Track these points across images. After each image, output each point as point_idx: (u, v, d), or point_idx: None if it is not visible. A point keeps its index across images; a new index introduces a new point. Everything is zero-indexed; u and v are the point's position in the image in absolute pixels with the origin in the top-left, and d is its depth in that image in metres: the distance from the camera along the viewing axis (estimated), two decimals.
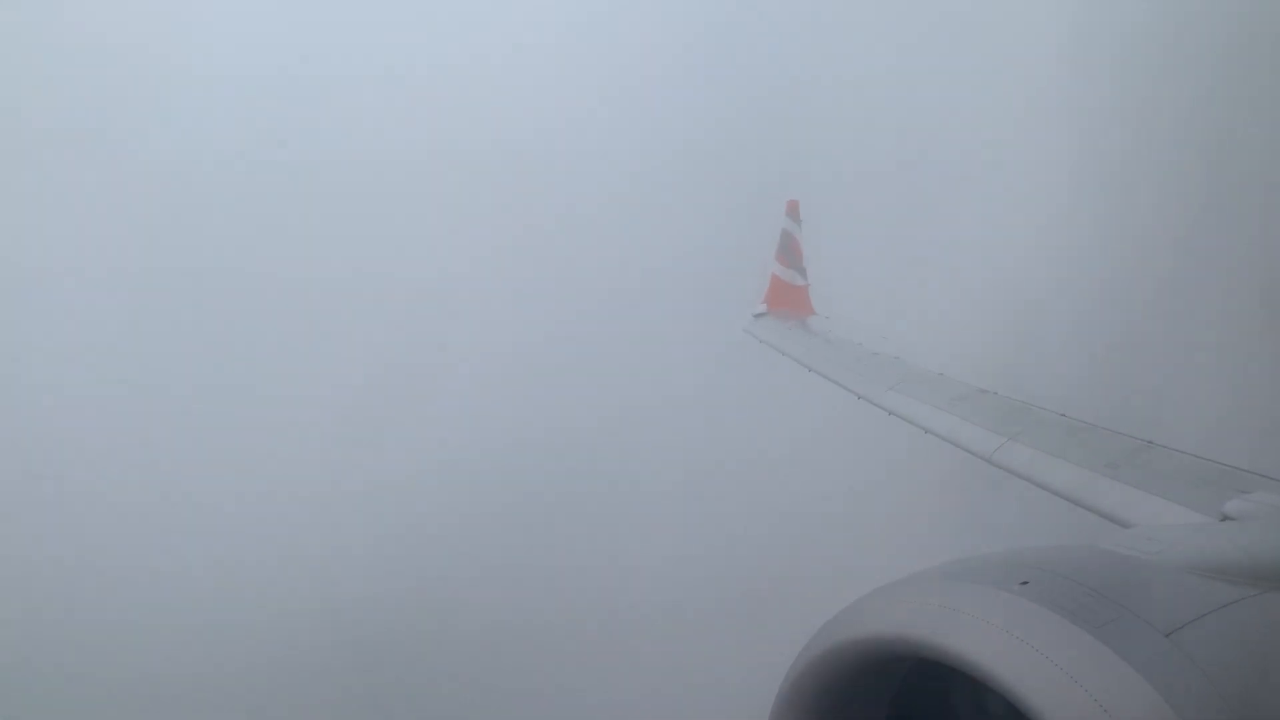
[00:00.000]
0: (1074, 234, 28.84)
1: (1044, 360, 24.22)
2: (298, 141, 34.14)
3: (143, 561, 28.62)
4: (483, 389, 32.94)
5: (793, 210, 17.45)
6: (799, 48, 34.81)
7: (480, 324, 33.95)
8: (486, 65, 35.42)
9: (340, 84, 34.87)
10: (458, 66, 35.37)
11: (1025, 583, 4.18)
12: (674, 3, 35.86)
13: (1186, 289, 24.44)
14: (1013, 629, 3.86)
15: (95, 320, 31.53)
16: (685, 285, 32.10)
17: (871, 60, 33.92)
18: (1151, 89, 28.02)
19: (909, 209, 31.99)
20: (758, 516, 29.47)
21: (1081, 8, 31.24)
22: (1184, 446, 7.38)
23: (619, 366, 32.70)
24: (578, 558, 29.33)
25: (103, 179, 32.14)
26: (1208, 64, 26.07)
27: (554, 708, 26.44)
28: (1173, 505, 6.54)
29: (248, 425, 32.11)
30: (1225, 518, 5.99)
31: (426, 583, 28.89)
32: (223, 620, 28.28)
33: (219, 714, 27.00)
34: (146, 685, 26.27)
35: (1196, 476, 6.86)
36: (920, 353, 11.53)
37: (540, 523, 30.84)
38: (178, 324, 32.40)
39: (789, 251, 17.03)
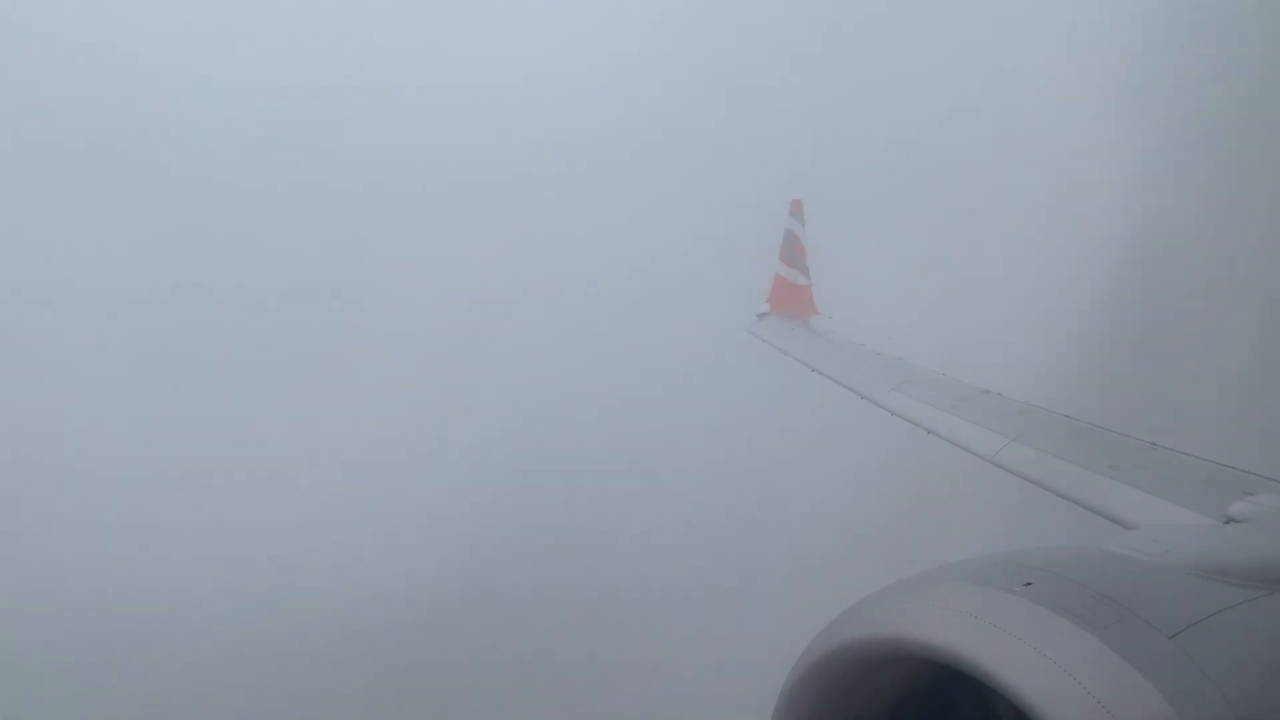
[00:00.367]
0: (1079, 234, 28.82)
1: (1048, 361, 24.20)
2: (300, 142, 34.16)
3: (158, 560, 28.74)
4: (482, 388, 32.94)
5: (796, 210, 17.43)
6: (803, 46, 34.78)
7: (481, 323, 33.95)
8: (488, 63, 35.40)
9: (343, 84, 34.86)
10: (458, 66, 35.36)
11: (1028, 584, 4.16)
12: (678, 1, 35.87)
13: (1192, 289, 24.43)
14: (1016, 631, 3.85)
15: (106, 329, 31.59)
16: (688, 284, 32.11)
17: (876, 59, 33.90)
18: (1155, 89, 28.00)
19: (913, 209, 31.97)
20: (760, 517, 29.49)
21: (1085, 8, 31.22)
22: (1188, 448, 7.36)
23: (620, 366, 32.71)
24: (576, 557, 29.33)
25: (110, 187, 32.20)
26: (1211, 63, 26.04)
27: (552, 707, 26.45)
28: (1177, 507, 6.52)
29: (258, 429, 32.13)
30: (1230, 520, 5.97)
31: (427, 580, 28.92)
32: (233, 619, 28.36)
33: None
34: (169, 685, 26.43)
35: (1201, 478, 6.84)
36: (923, 353, 11.51)
37: (538, 521, 30.84)
38: (188, 328, 32.44)
39: (792, 251, 17.01)
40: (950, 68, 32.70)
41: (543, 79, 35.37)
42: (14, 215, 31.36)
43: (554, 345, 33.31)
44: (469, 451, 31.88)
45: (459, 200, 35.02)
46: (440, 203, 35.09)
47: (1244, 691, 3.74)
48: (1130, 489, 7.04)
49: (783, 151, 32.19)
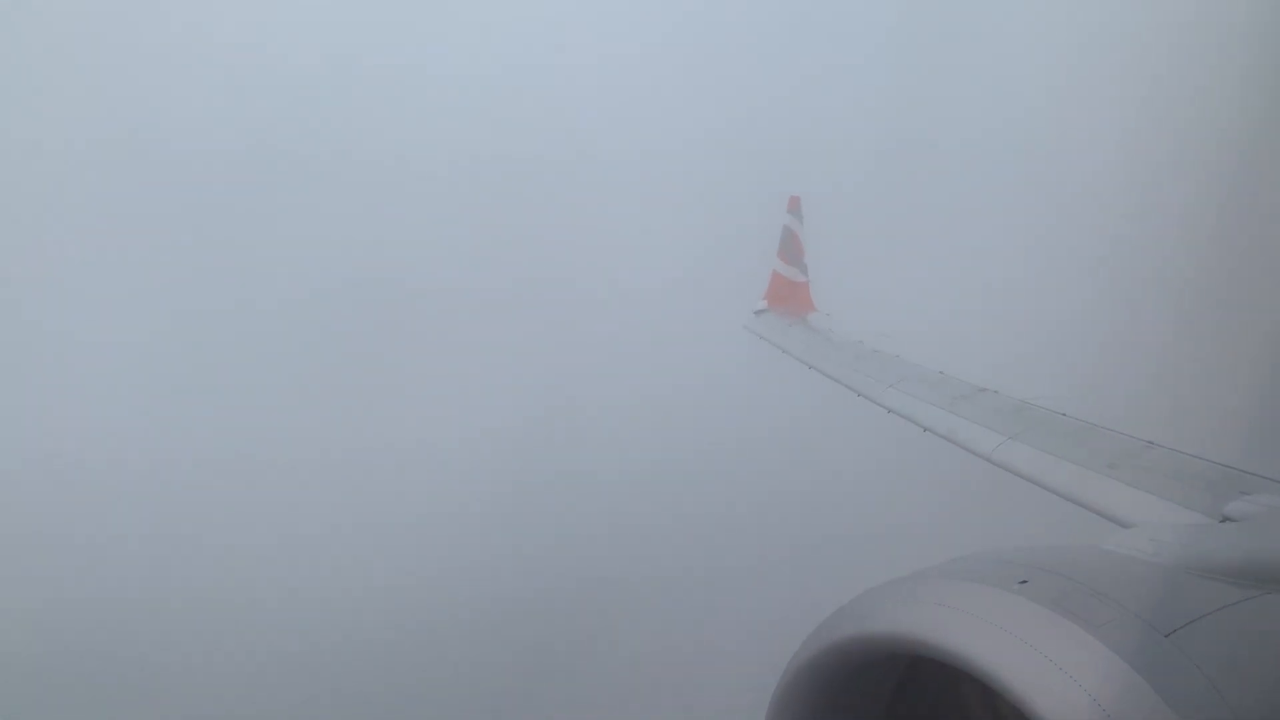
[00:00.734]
0: (1076, 232, 28.82)
1: (1045, 359, 24.20)
2: (305, 142, 34.15)
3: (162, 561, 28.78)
4: (479, 388, 32.92)
5: (794, 207, 17.40)
6: (803, 43, 34.76)
7: (477, 322, 33.94)
8: (490, 65, 35.37)
9: (346, 82, 34.84)
10: (457, 65, 35.33)
11: (1025, 582, 4.16)
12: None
13: (1189, 288, 24.43)
14: (1012, 628, 3.84)
15: (115, 335, 31.59)
16: (686, 281, 32.09)
17: (875, 56, 33.88)
18: (1154, 88, 27.99)
19: (911, 206, 31.97)
20: (756, 514, 29.50)
21: (1083, 7, 31.20)
22: (1185, 447, 7.35)
23: (618, 362, 32.70)
24: (574, 556, 29.33)
25: (122, 190, 32.18)
26: (1210, 62, 26.02)
27: (549, 705, 26.45)
28: (1173, 506, 6.51)
29: (254, 428, 32.11)
30: (1226, 519, 5.96)
31: (426, 579, 28.93)
32: (233, 619, 28.41)
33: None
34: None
35: (1198, 477, 6.83)
36: (921, 351, 11.49)
37: (536, 521, 30.82)
38: (198, 332, 32.46)
39: (790, 248, 16.98)
40: (949, 65, 32.69)
41: (543, 78, 35.36)
42: (23, 215, 31.38)
43: (552, 344, 33.31)
44: (468, 450, 31.87)
45: (458, 200, 35.00)
46: (440, 202, 35.07)
47: (1239, 690, 3.74)
48: (1127, 488, 7.03)
49: (781, 148, 32.17)
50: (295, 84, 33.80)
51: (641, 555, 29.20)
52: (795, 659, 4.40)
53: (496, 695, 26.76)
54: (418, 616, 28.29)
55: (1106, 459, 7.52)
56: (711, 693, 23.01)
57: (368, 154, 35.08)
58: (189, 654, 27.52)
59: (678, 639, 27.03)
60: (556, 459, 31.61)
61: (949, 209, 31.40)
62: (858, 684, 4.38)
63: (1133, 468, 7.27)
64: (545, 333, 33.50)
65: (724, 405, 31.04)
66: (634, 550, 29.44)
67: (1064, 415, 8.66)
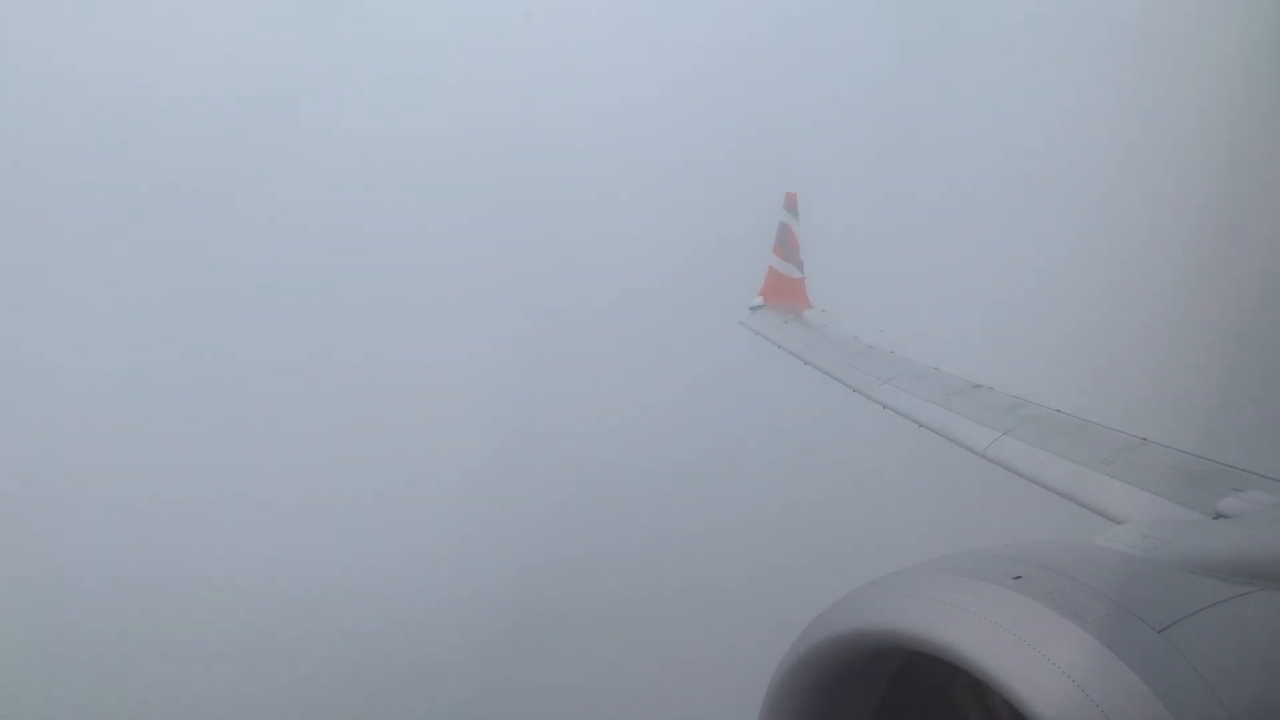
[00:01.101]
0: (1071, 229, 28.85)
1: (1040, 356, 24.24)
2: (292, 136, 34.04)
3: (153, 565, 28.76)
4: (476, 387, 32.88)
5: (791, 203, 17.41)
6: (800, 40, 34.74)
7: (473, 321, 33.90)
8: (480, 57, 35.28)
9: (337, 78, 34.72)
10: (453, 60, 35.24)
11: (1018, 577, 4.17)
12: None
13: (1183, 285, 24.47)
14: (1005, 623, 3.85)
15: (110, 340, 31.51)
16: (682, 276, 32.08)
17: (872, 53, 33.86)
18: (1153, 86, 28.00)
19: (907, 203, 31.99)
20: (750, 510, 29.52)
21: (1083, 6, 31.22)
22: (1179, 444, 7.38)
23: (613, 357, 32.70)
24: (573, 554, 29.33)
25: (114, 190, 32.08)
26: (1210, 61, 26.05)
27: (546, 704, 26.48)
28: (1167, 502, 6.54)
29: (246, 425, 32.03)
30: (1219, 515, 5.99)
31: (426, 583, 28.90)
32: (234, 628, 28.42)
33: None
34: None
35: (1191, 473, 6.86)
36: (916, 347, 11.52)
37: (535, 520, 30.81)
38: (193, 335, 32.37)
39: (786, 244, 16.99)
40: (948, 61, 32.66)
41: (540, 75, 35.27)
42: (21, 217, 31.29)
43: (548, 340, 33.25)
44: (459, 451, 31.81)
45: (451, 195, 34.92)
46: (434, 197, 34.99)
47: (1232, 686, 3.75)
48: (1121, 484, 7.05)
49: (777, 145, 32.15)
50: (286, 75, 33.67)
51: (631, 550, 29.22)
52: (788, 655, 4.41)
53: (495, 695, 26.79)
54: (412, 616, 28.26)
55: (1100, 455, 7.55)
56: (704, 689, 23.05)
57: (364, 150, 34.98)
58: (180, 647, 27.47)
59: (669, 635, 27.06)
60: (552, 456, 31.59)
61: (946, 206, 31.41)
62: (851, 679, 4.39)
63: (1126, 464, 7.29)
64: (541, 328, 33.45)
65: (719, 401, 31.05)
66: (624, 545, 29.45)
67: (1058, 411, 8.69)
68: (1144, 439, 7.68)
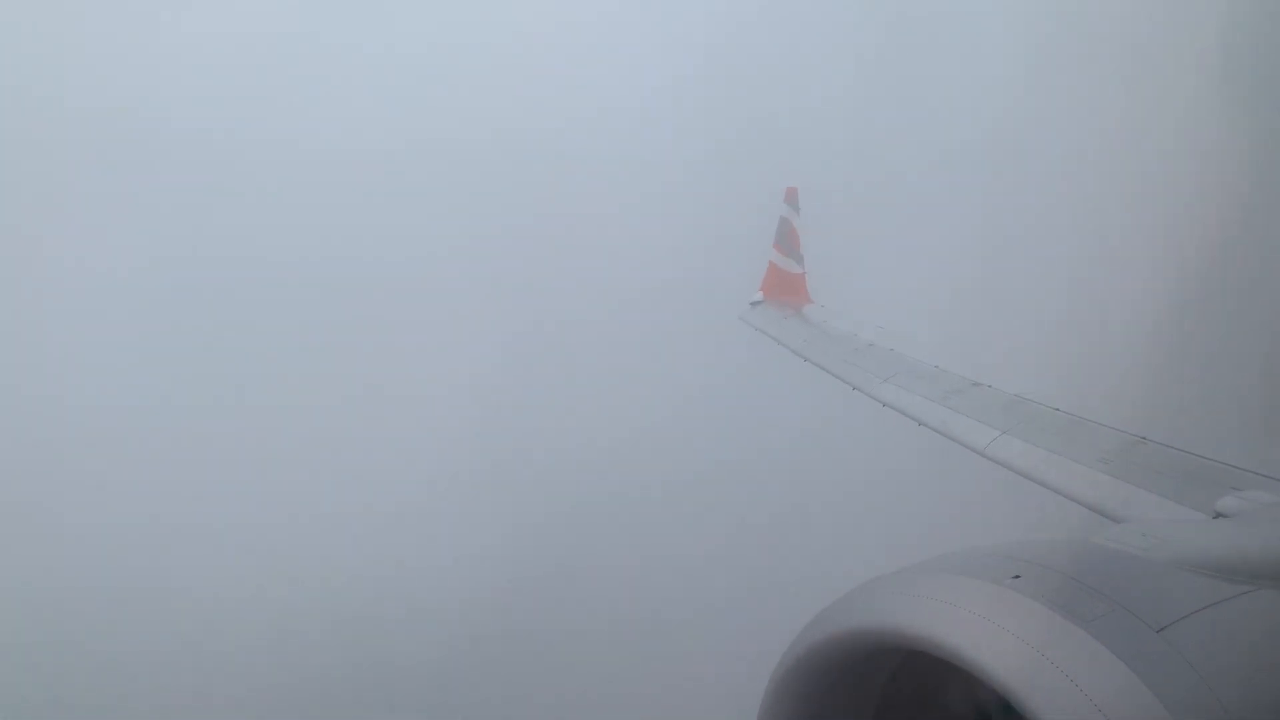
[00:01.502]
0: (1072, 227, 28.82)
1: (1039, 354, 24.23)
2: (290, 137, 33.95)
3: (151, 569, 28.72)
4: (474, 385, 32.82)
5: (791, 197, 17.38)
6: (800, 35, 34.66)
7: (472, 320, 33.83)
8: (478, 55, 35.21)
9: (331, 73, 34.63)
10: (451, 58, 35.16)
11: (1017, 576, 4.16)
12: None
13: (1182, 284, 24.44)
14: (1004, 622, 3.85)
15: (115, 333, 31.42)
16: (682, 272, 32.06)
17: (873, 48, 33.80)
18: (1154, 83, 27.95)
19: (908, 199, 31.95)
20: (749, 508, 29.51)
21: (1084, 4, 31.17)
22: (1178, 443, 7.37)
23: (613, 354, 32.66)
24: (571, 553, 29.29)
25: (116, 183, 31.99)
26: (1210, 59, 26.00)
27: (545, 703, 26.46)
28: (1165, 501, 6.53)
29: (242, 426, 31.96)
30: (1218, 514, 5.98)
31: (425, 584, 28.86)
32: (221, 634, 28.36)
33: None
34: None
35: (1190, 473, 6.86)
36: (916, 345, 11.50)
37: (534, 519, 30.75)
38: (196, 326, 32.28)
39: (787, 239, 16.96)
40: (949, 58, 32.62)
41: (539, 72, 35.20)
42: (23, 211, 31.21)
43: (548, 338, 33.22)
44: (457, 452, 31.74)
45: (449, 193, 34.84)
46: (431, 197, 34.91)
47: (1230, 685, 3.75)
48: (1119, 483, 7.05)
49: (778, 139, 32.12)
50: (283, 72, 33.60)
51: (632, 549, 29.20)
52: (787, 654, 4.41)
53: (498, 695, 26.75)
54: (411, 619, 28.20)
55: (1099, 454, 7.54)
56: (702, 689, 23.04)
57: (362, 148, 34.90)
58: (176, 646, 27.44)
59: (667, 634, 27.05)
60: (552, 454, 31.57)
61: (947, 202, 31.38)
62: (850, 678, 4.39)
63: (1125, 463, 7.29)
64: (540, 325, 33.45)
65: (718, 397, 31.05)
66: (624, 544, 29.43)
67: (1057, 410, 8.68)
68: (1143, 438, 7.68)
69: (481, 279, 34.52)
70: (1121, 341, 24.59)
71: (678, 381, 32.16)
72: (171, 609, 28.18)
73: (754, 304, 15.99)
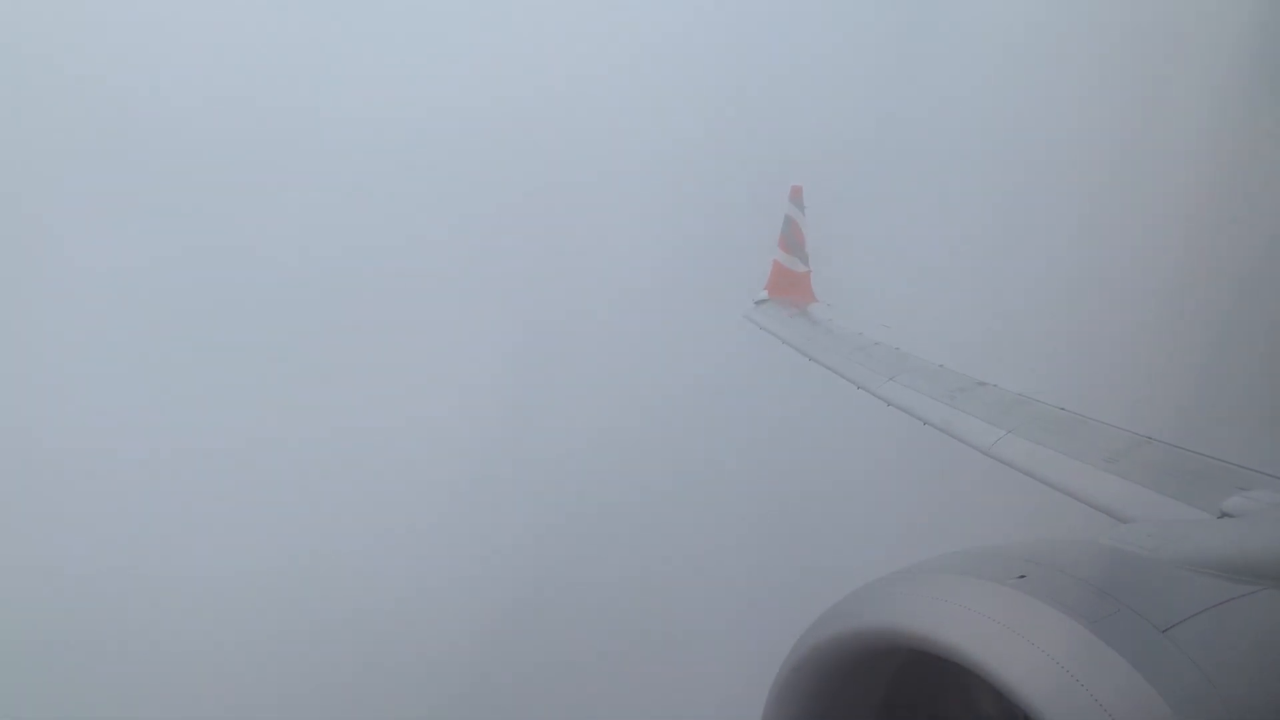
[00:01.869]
0: (1078, 225, 28.77)
1: (1044, 353, 24.20)
2: (287, 136, 33.92)
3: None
4: (477, 383, 32.81)
5: (796, 196, 17.37)
6: (805, 31, 34.62)
7: (475, 318, 33.83)
8: (478, 49, 35.16)
9: (325, 68, 34.58)
10: (450, 52, 35.12)
11: (1022, 576, 4.17)
12: None
13: (1188, 283, 24.39)
14: (1009, 622, 3.85)
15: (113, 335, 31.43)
16: (687, 271, 32.03)
17: (880, 45, 33.75)
18: (1157, 82, 27.89)
19: (914, 198, 31.89)
20: (753, 507, 29.48)
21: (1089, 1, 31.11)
22: (1184, 442, 7.36)
23: (618, 352, 32.66)
24: (574, 552, 29.30)
25: (115, 190, 32.02)
26: (1212, 58, 25.93)
27: (552, 704, 26.48)
28: (1171, 501, 6.53)
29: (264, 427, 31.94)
30: (1224, 514, 5.97)
31: (425, 588, 28.86)
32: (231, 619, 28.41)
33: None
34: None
35: (1195, 472, 6.84)
36: (920, 344, 11.50)
37: (538, 518, 30.75)
38: (193, 331, 32.27)
39: (791, 238, 16.97)
40: (954, 55, 32.54)
41: (542, 69, 35.14)
42: (22, 217, 31.25)
43: (555, 338, 33.18)
44: (457, 452, 31.73)
45: (450, 191, 34.82)
46: (430, 193, 34.86)
47: (1236, 685, 3.75)
48: (1125, 482, 7.04)
49: (783, 138, 32.07)
50: (282, 74, 33.55)
51: (636, 548, 29.20)
52: (793, 653, 4.42)
53: (500, 694, 26.77)
54: (415, 615, 28.20)
55: (1105, 453, 7.53)
56: (708, 688, 23.04)
57: (363, 145, 34.84)
58: (173, 642, 27.46)
59: (672, 634, 27.05)
60: (556, 453, 31.55)
61: (953, 201, 31.33)
62: (854, 677, 4.40)
63: (1131, 462, 7.28)
64: (544, 323, 33.41)
65: (722, 395, 31.02)
66: (628, 543, 29.44)
67: (1063, 409, 8.67)
68: (1148, 437, 7.67)
69: (484, 278, 34.49)
70: (1127, 341, 24.55)
71: (682, 380, 32.12)
72: (170, 611, 28.17)
73: (759, 302, 16.00)
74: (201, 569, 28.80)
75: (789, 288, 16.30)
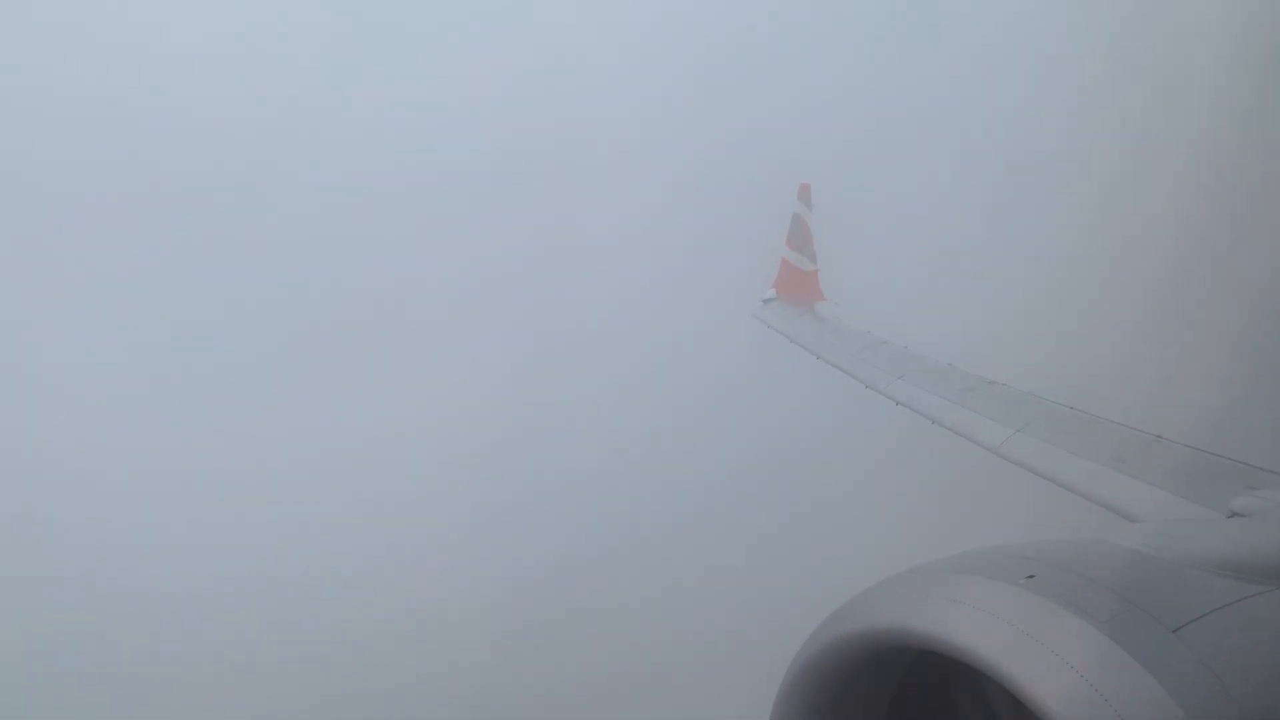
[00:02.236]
0: (1086, 225, 28.69)
1: (1054, 352, 24.13)
2: (287, 137, 33.93)
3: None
4: (484, 384, 32.82)
5: (804, 194, 17.35)
6: (812, 29, 34.56)
7: (481, 317, 33.83)
8: (483, 50, 35.15)
9: (325, 68, 34.58)
10: (453, 51, 35.12)
11: (1031, 576, 4.16)
12: None
13: (1197, 281, 24.31)
14: (1018, 622, 3.85)
15: (114, 337, 31.46)
16: (695, 269, 32.03)
17: (888, 42, 33.68)
18: (1161, 81, 27.80)
19: (922, 196, 31.83)
20: (761, 506, 29.47)
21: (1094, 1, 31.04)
22: (1193, 441, 7.34)
23: (625, 351, 32.66)
24: (581, 553, 29.28)
25: (115, 190, 32.06)
26: (1216, 58, 25.84)
27: (555, 703, 26.47)
28: (1181, 500, 6.51)
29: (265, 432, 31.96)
30: (1234, 514, 5.95)
31: (435, 585, 28.88)
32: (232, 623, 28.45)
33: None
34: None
35: (1205, 471, 6.82)
36: (929, 343, 11.48)
37: (543, 518, 30.75)
38: (194, 333, 32.31)
39: (799, 236, 16.94)
40: (962, 53, 32.47)
41: (544, 67, 35.11)
42: (21, 217, 31.32)
43: (562, 338, 33.18)
44: (464, 448, 31.73)
45: (457, 195, 34.82)
46: (434, 194, 34.86)
47: (1247, 686, 3.74)
48: (1134, 482, 7.02)
49: (791, 136, 32.03)
50: (280, 76, 33.55)
51: (644, 548, 29.19)
52: (801, 653, 4.42)
53: (502, 694, 26.79)
54: (420, 619, 28.23)
55: (1114, 453, 7.51)
56: (716, 688, 23.03)
57: (368, 147, 34.84)
58: (174, 648, 27.50)
59: (680, 634, 27.04)
60: (561, 452, 31.54)
61: (961, 199, 31.25)
62: (863, 677, 4.40)
63: (1140, 462, 7.26)
64: (551, 323, 33.41)
65: (729, 393, 31.00)
66: (636, 543, 29.42)
67: (1072, 409, 8.65)
68: (1158, 436, 7.64)
69: (491, 279, 34.50)
70: (1136, 339, 24.47)
71: (689, 378, 32.10)
72: (169, 611, 28.22)
73: (766, 301, 15.99)
74: (199, 574, 28.79)
75: (797, 286, 16.29)
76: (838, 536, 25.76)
